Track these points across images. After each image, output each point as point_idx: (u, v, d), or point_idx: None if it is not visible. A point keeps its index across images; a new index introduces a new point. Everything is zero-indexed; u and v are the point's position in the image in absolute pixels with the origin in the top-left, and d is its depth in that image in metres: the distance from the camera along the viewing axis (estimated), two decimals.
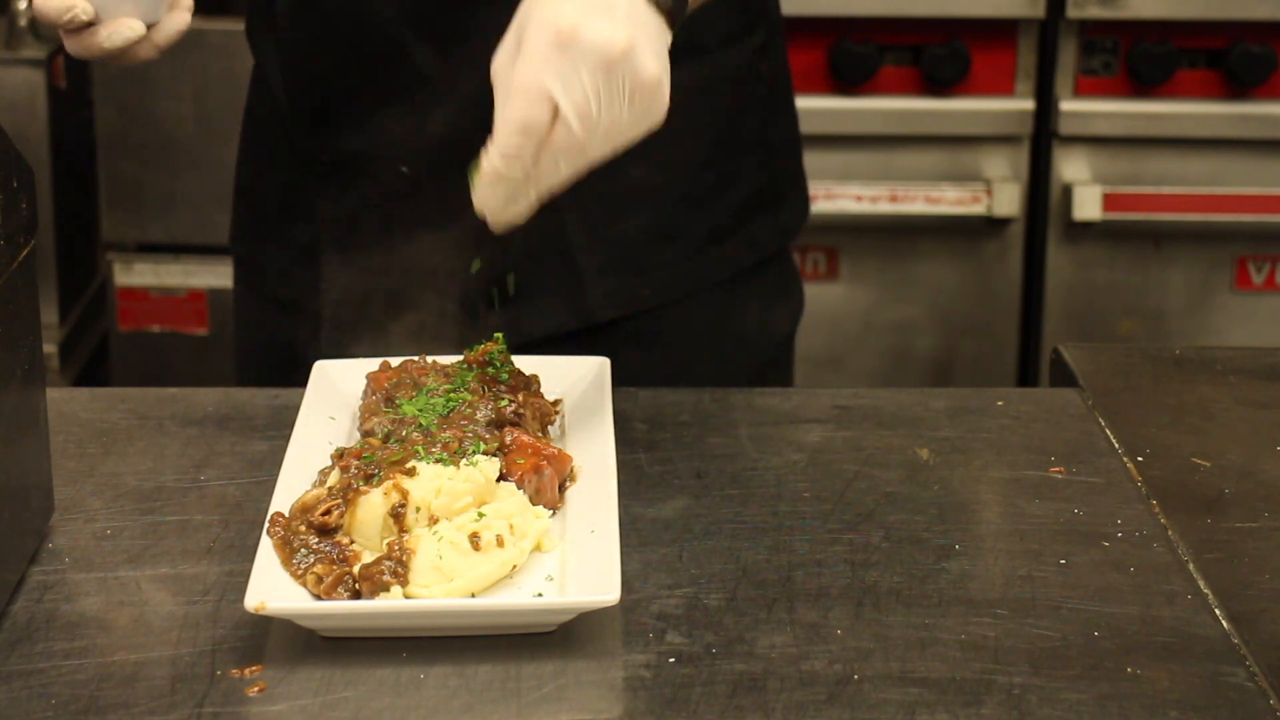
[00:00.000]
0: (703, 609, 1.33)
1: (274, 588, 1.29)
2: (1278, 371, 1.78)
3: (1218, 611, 1.33)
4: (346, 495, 1.36)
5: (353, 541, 1.35)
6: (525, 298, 1.86)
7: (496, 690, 1.23)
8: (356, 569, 1.32)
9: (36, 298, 1.39)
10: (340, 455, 1.42)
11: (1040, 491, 1.52)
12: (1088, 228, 3.28)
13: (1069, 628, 1.31)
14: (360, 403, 1.56)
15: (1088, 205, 3.25)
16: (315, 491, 1.39)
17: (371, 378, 1.57)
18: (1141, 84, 3.26)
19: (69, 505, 1.47)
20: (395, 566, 1.30)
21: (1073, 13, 3.21)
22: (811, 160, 3.39)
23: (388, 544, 1.32)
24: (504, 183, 1.42)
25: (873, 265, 3.35)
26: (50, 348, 3.27)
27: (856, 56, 3.25)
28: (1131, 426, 1.64)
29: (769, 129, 1.99)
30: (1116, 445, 1.60)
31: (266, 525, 1.36)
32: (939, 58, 3.23)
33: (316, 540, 1.35)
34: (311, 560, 1.33)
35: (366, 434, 1.48)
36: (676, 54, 1.83)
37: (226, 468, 1.55)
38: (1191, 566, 1.40)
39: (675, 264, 1.89)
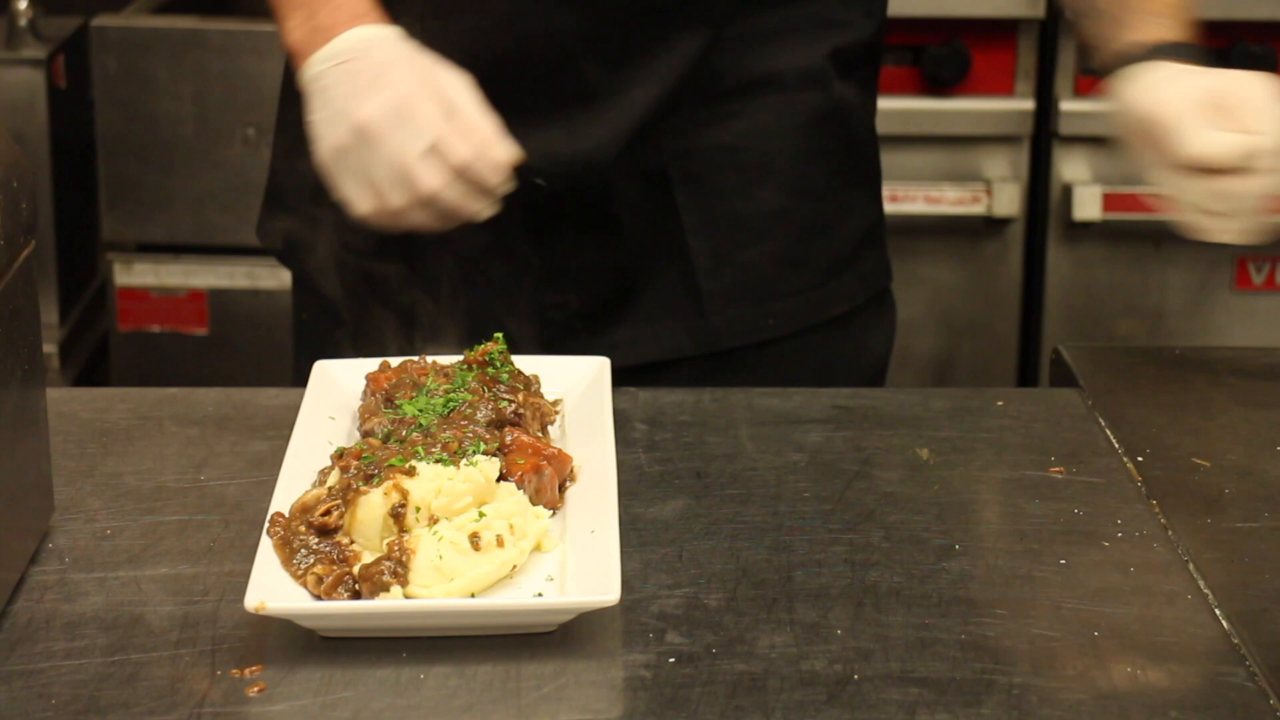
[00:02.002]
0: (703, 609, 1.33)
1: (274, 588, 1.29)
2: (1278, 371, 1.78)
3: (1218, 611, 1.33)
4: (346, 495, 1.36)
5: (353, 542, 1.35)
6: (645, 319, 1.84)
7: (496, 690, 1.23)
8: (356, 569, 1.32)
9: (36, 298, 1.39)
10: (340, 455, 1.42)
11: (1040, 491, 1.52)
12: (1088, 228, 3.28)
13: (1069, 628, 1.31)
14: (360, 403, 1.56)
15: (1088, 205, 3.25)
16: (315, 492, 1.39)
17: (371, 378, 1.57)
18: None
19: (69, 505, 1.47)
20: (395, 567, 1.30)
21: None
22: None
23: (388, 544, 1.32)
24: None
25: None
26: (50, 348, 3.27)
27: None
28: (1131, 426, 1.64)
29: (876, 162, 2.02)
30: (1116, 445, 1.60)
31: (266, 525, 1.36)
32: (939, 58, 3.23)
33: (316, 540, 1.35)
34: (311, 560, 1.33)
35: (366, 434, 1.48)
36: (807, 82, 1.87)
37: (226, 468, 1.55)
38: (1191, 566, 1.40)
39: (798, 294, 1.89)
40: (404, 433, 1.44)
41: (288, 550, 1.34)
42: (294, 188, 1.91)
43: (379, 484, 1.36)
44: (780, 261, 1.87)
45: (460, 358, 1.56)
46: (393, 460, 1.38)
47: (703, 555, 1.41)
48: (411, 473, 1.36)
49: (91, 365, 3.51)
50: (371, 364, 1.59)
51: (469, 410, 1.47)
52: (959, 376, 3.36)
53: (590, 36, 1.79)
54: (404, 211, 1.62)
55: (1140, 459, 1.58)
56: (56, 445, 1.49)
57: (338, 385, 1.59)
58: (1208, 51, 1.75)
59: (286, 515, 1.37)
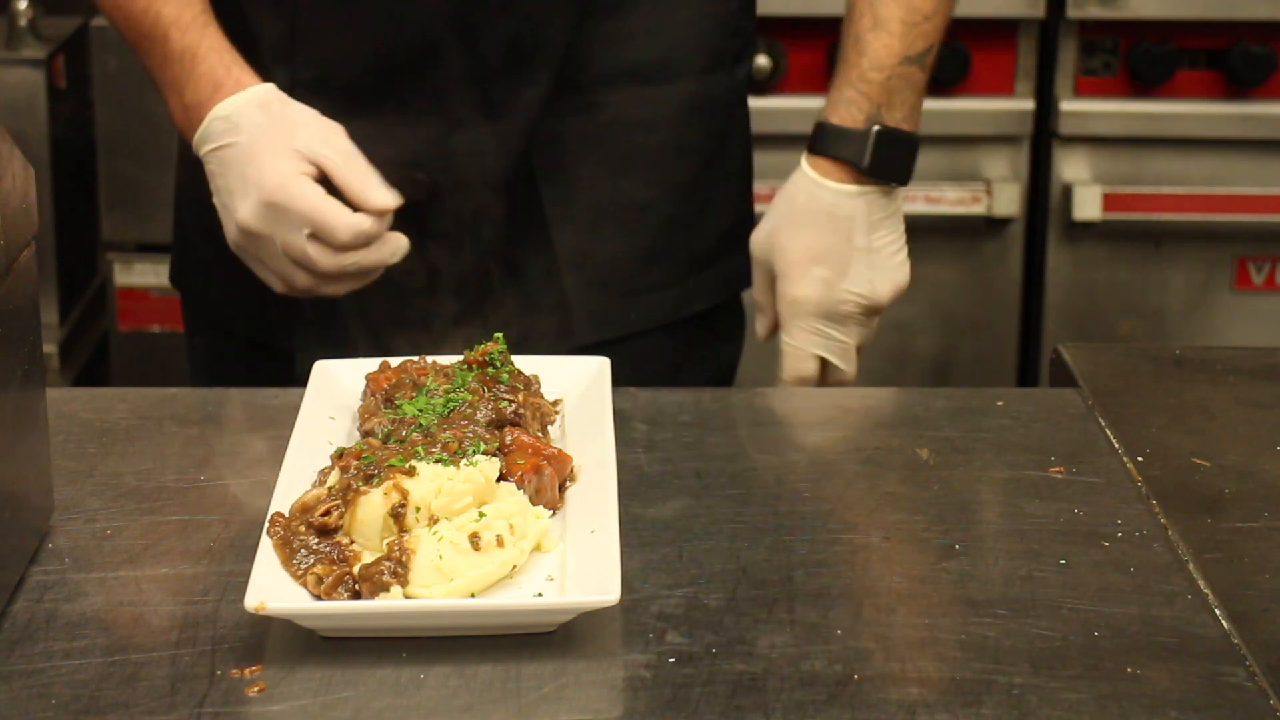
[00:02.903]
0: (703, 609, 1.33)
1: (274, 588, 1.29)
2: (1278, 371, 1.78)
3: (1218, 611, 1.33)
4: (346, 495, 1.36)
5: (353, 542, 1.35)
6: (512, 313, 1.85)
7: (496, 690, 1.23)
8: (356, 569, 1.32)
9: (36, 298, 1.39)
10: (340, 455, 1.42)
11: (1040, 491, 1.52)
12: (1088, 228, 3.28)
13: (1069, 628, 1.31)
14: (360, 403, 1.56)
15: (1088, 205, 3.25)
16: (315, 492, 1.39)
17: (371, 378, 1.57)
18: (1141, 84, 3.26)
19: (69, 505, 1.47)
20: (395, 567, 1.30)
21: (1073, 13, 3.21)
22: None
23: (388, 544, 1.32)
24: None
25: None
26: (50, 348, 3.27)
27: None
28: (1131, 426, 1.63)
29: (746, 160, 2.01)
30: (1116, 445, 1.60)
31: (266, 525, 1.36)
32: (939, 58, 3.22)
33: (316, 540, 1.35)
34: (311, 560, 1.33)
35: (366, 434, 1.48)
36: (674, 73, 1.87)
37: (226, 468, 1.55)
38: (1191, 566, 1.40)
39: (660, 289, 1.90)
40: (404, 433, 1.44)
41: (288, 550, 1.34)
42: (199, 234, 1.94)
43: (379, 484, 1.36)
44: (643, 255, 1.89)
45: (460, 357, 1.56)
46: (393, 460, 1.38)
47: (703, 555, 1.40)
48: (411, 473, 1.36)
49: (91, 365, 3.51)
50: (371, 364, 1.59)
51: (469, 410, 1.47)
52: (959, 376, 3.36)
53: (460, 24, 1.79)
54: (314, 288, 1.71)
55: (1140, 459, 1.58)
56: (56, 445, 1.49)
57: (338, 385, 1.59)
58: (905, 142, 1.88)
59: (286, 515, 1.37)
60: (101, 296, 3.53)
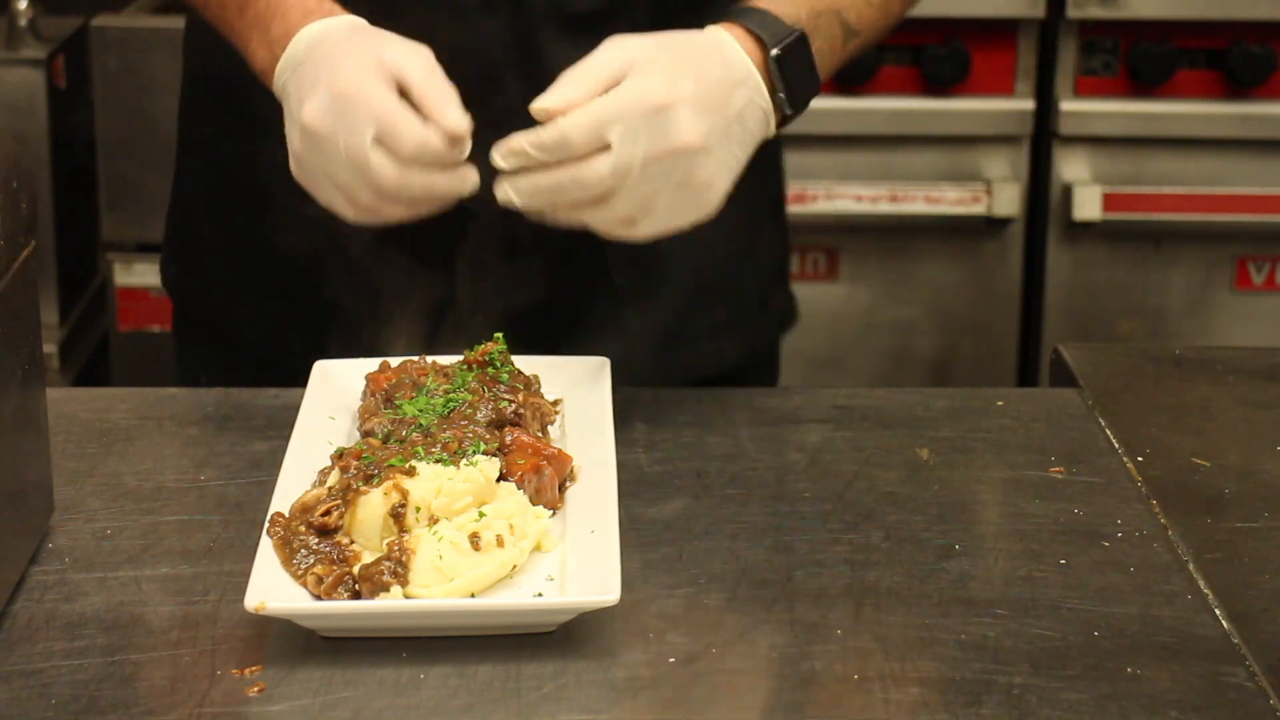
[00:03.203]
0: (703, 609, 1.33)
1: (274, 588, 1.29)
2: (1278, 371, 1.78)
3: (1218, 611, 1.33)
4: (346, 495, 1.37)
5: (352, 542, 1.35)
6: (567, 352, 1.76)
7: (496, 690, 1.23)
8: (356, 569, 1.32)
9: (36, 298, 1.39)
10: (340, 455, 1.42)
11: (1040, 491, 1.52)
12: (1088, 228, 3.28)
13: (1069, 628, 1.31)
14: (360, 403, 1.56)
15: (1088, 205, 3.25)
16: (315, 492, 1.39)
17: (371, 378, 1.57)
18: (1141, 84, 3.26)
19: (69, 505, 1.47)
20: (395, 567, 1.30)
21: (1073, 13, 3.21)
22: (812, 160, 3.39)
23: (388, 544, 1.32)
24: (521, 161, 1.51)
25: (873, 265, 3.35)
26: (50, 348, 3.27)
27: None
28: (1131, 426, 1.63)
29: (782, 193, 1.97)
30: (1116, 445, 1.60)
31: (266, 525, 1.36)
32: (939, 58, 3.23)
33: (316, 540, 1.35)
34: (311, 560, 1.33)
35: (366, 434, 1.48)
36: None
37: (226, 468, 1.55)
38: (1191, 566, 1.40)
39: (717, 331, 1.84)
40: (404, 433, 1.44)
41: (288, 550, 1.34)
42: (193, 233, 1.90)
43: (379, 484, 1.36)
44: (702, 295, 1.83)
45: (460, 358, 1.56)
46: (393, 460, 1.38)
47: (703, 555, 1.40)
48: (411, 473, 1.36)
49: (91, 365, 3.51)
50: (371, 364, 1.59)
51: (469, 410, 1.47)
52: (959, 376, 3.36)
53: (518, 48, 1.75)
54: (376, 207, 1.56)
55: (1140, 459, 1.58)
56: (56, 445, 1.49)
57: (338, 385, 1.59)
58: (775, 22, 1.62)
59: (286, 515, 1.37)
60: (101, 296, 3.53)
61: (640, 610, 1.32)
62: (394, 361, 1.58)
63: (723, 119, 1.55)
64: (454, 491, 1.36)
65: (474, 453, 1.40)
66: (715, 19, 1.65)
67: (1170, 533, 1.45)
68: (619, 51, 1.54)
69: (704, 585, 1.36)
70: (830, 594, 1.35)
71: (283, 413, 1.61)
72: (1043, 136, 3.29)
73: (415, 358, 1.58)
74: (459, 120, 1.54)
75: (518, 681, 1.24)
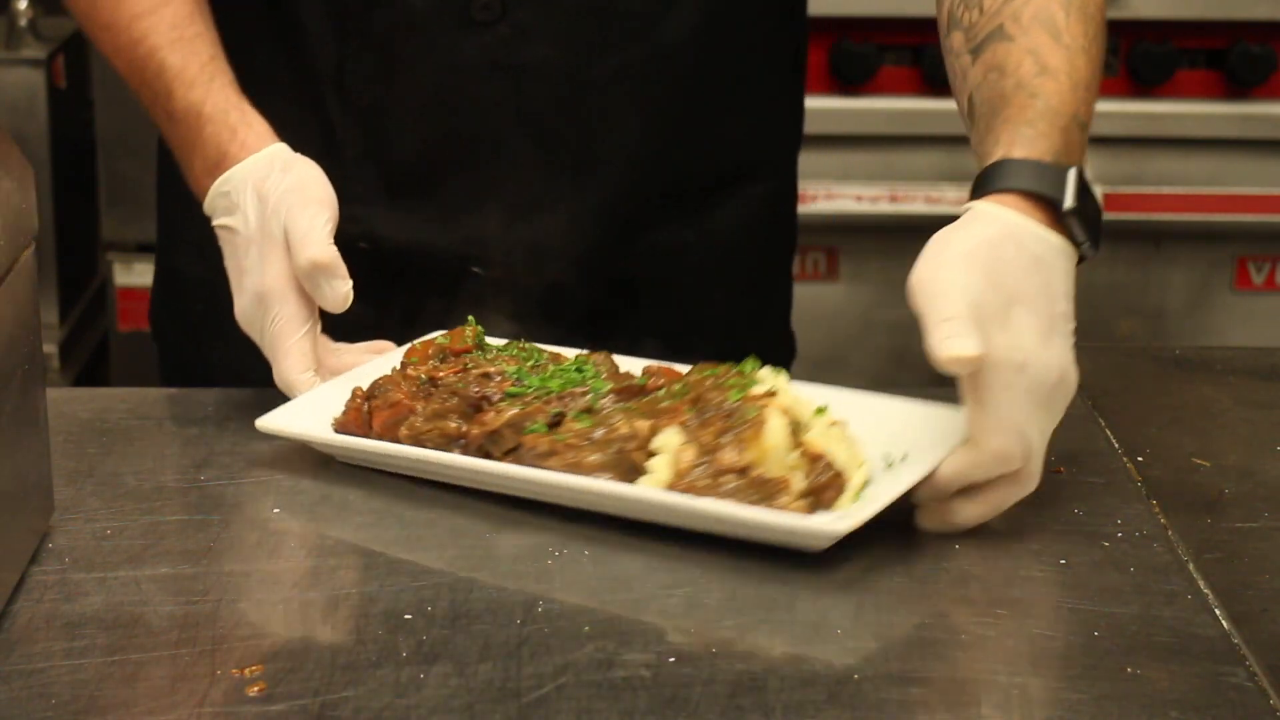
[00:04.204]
0: (703, 609, 1.33)
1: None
2: (1278, 371, 1.78)
3: (1218, 611, 1.33)
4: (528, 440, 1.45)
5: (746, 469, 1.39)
6: None
7: (496, 690, 1.23)
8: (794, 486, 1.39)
9: (36, 298, 1.39)
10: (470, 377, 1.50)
11: (1040, 491, 1.52)
12: None
13: (1069, 628, 1.31)
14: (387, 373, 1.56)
15: None
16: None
17: (413, 349, 1.57)
18: (1141, 84, 3.26)
19: (69, 505, 1.47)
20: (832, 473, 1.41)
21: None
22: (811, 160, 3.38)
23: (806, 455, 1.40)
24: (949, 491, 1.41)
25: (873, 265, 3.35)
26: (50, 348, 3.27)
27: (856, 56, 3.25)
28: (1131, 426, 1.63)
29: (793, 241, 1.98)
30: (1116, 445, 1.60)
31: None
32: (938, 58, 3.22)
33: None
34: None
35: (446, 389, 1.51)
36: (773, 170, 1.87)
37: (226, 468, 1.55)
38: (1191, 566, 1.40)
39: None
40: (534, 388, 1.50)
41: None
42: (188, 282, 1.91)
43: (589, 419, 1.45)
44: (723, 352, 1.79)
45: (505, 342, 1.58)
46: (731, 381, 1.45)
47: (703, 555, 1.40)
48: (772, 394, 1.44)
49: (91, 365, 3.51)
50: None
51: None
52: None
53: (520, 110, 1.74)
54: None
55: (1140, 459, 1.58)
56: (56, 445, 1.49)
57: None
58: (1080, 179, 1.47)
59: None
60: (101, 296, 3.53)
61: (640, 610, 1.32)
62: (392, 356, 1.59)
63: (1062, 338, 1.41)
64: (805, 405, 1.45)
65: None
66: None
67: (1170, 533, 1.45)
68: (962, 279, 1.40)
69: (704, 585, 1.36)
70: (830, 594, 1.35)
71: None
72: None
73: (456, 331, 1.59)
74: (318, 251, 1.56)
75: (518, 681, 1.24)
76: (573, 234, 1.78)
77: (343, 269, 1.56)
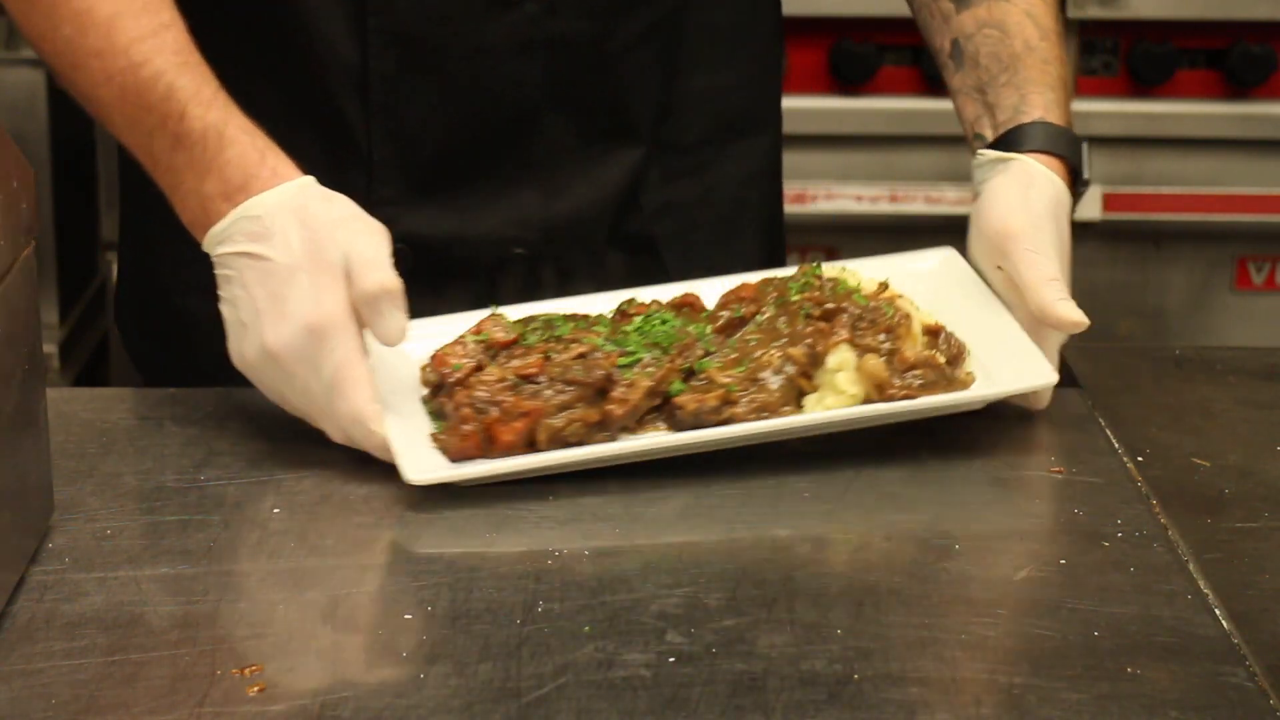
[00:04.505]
0: (703, 609, 1.33)
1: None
2: (1278, 371, 1.78)
3: (1218, 611, 1.33)
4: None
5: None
6: None
7: (496, 690, 1.23)
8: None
9: (36, 298, 1.39)
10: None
11: (1040, 491, 1.52)
12: (1088, 228, 3.28)
13: (1069, 628, 1.31)
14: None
15: (1088, 205, 3.25)
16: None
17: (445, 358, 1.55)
18: (1141, 84, 3.26)
19: (69, 505, 1.47)
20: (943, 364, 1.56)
21: (1073, 13, 3.21)
22: (811, 160, 3.38)
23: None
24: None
25: None
26: (50, 348, 3.27)
27: (856, 56, 3.25)
28: (1131, 426, 1.63)
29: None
30: (1116, 445, 1.60)
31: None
32: None
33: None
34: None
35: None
36: (761, 125, 1.91)
37: (226, 468, 1.55)
38: (1191, 566, 1.40)
39: None
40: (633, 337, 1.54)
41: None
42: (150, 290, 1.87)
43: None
44: None
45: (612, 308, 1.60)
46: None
47: (703, 555, 1.41)
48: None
49: (91, 365, 3.51)
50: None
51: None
52: None
53: (556, 86, 1.75)
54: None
55: (1140, 459, 1.58)
56: (56, 445, 1.49)
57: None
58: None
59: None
60: (101, 296, 3.53)
61: (640, 610, 1.32)
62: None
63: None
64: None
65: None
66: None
67: (1170, 533, 1.45)
68: (1052, 237, 1.62)
69: (704, 585, 1.36)
70: (830, 594, 1.35)
71: (283, 412, 1.61)
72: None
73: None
74: (398, 337, 1.51)
75: (518, 681, 1.24)
76: (606, 200, 1.80)
77: (404, 301, 1.50)
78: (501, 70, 1.74)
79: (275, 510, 1.47)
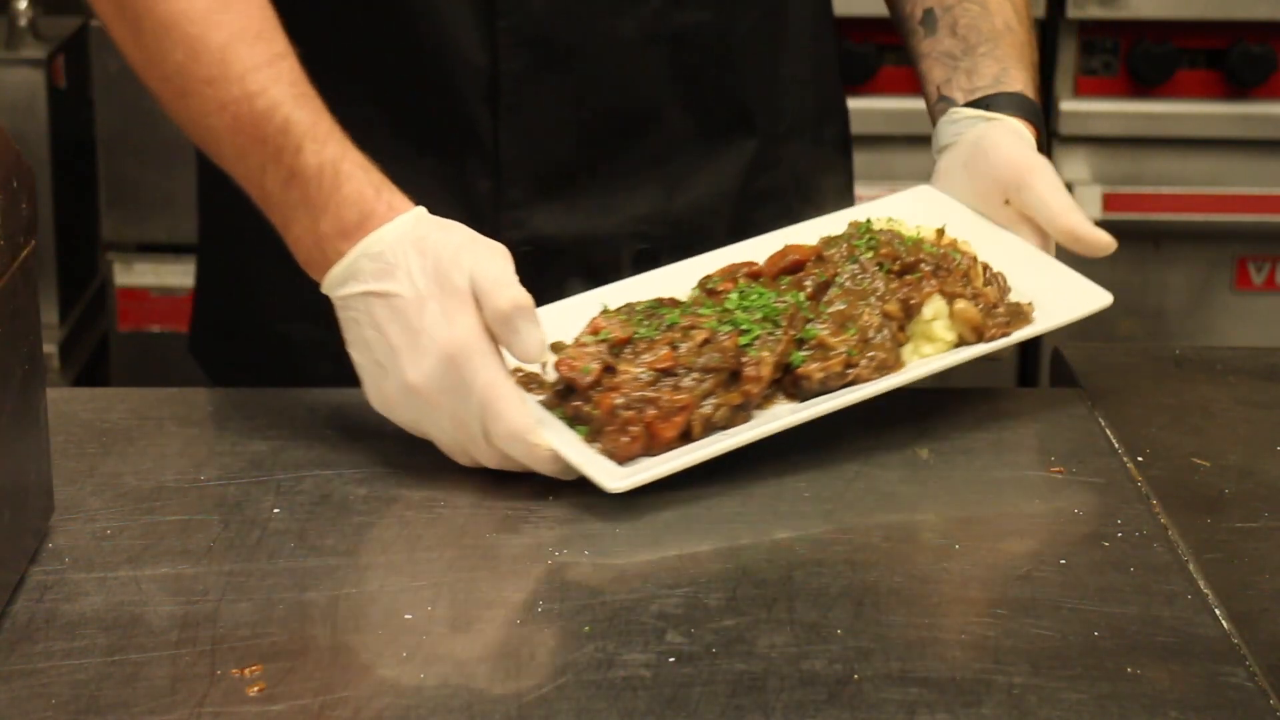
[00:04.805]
0: (703, 609, 1.33)
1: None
2: (1278, 371, 1.78)
3: (1218, 611, 1.34)
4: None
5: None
6: None
7: (496, 690, 1.23)
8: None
9: (36, 298, 1.39)
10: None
11: (1040, 491, 1.52)
12: None
13: (1069, 628, 1.31)
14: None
15: (1088, 205, 3.24)
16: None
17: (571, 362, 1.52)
18: (1141, 84, 3.26)
19: (69, 505, 1.47)
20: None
21: (1073, 13, 3.22)
22: None
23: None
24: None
25: None
26: (50, 348, 3.27)
27: (856, 56, 3.25)
28: (1131, 426, 1.64)
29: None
30: (1116, 445, 1.60)
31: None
32: None
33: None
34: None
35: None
36: (829, 119, 1.95)
37: (226, 468, 1.55)
38: (1191, 566, 1.40)
39: None
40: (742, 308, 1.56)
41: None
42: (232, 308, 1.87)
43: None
44: None
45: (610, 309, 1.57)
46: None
47: (703, 555, 1.41)
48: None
49: (91, 365, 3.51)
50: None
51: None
52: (959, 376, 3.35)
53: (678, 79, 1.77)
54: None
55: (1140, 459, 1.58)
56: (56, 445, 1.49)
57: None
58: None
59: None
60: (101, 296, 3.54)
61: (640, 610, 1.32)
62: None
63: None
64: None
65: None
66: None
67: (1170, 533, 1.45)
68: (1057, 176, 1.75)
69: (704, 585, 1.36)
70: (830, 594, 1.35)
71: (282, 413, 1.61)
72: (1042, 136, 3.29)
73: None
74: (538, 353, 1.48)
75: (518, 682, 1.24)
76: (725, 191, 1.82)
77: (537, 316, 1.47)
78: (628, 65, 1.75)
79: (275, 510, 1.47)
